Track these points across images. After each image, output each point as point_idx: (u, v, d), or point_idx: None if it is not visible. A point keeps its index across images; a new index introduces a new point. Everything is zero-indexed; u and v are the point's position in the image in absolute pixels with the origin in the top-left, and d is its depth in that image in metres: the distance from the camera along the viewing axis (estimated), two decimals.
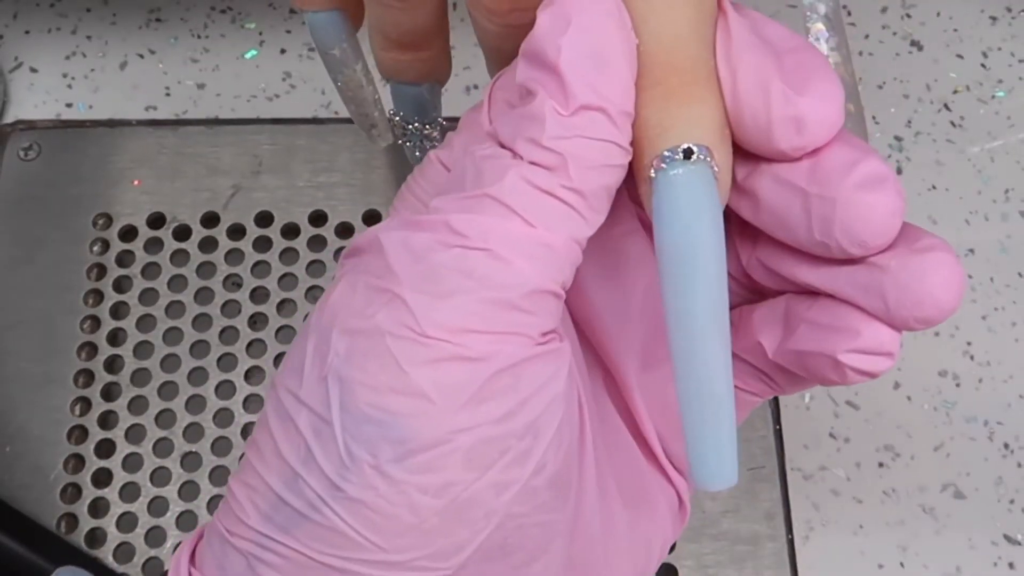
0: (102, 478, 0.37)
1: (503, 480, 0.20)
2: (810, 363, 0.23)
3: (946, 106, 0.45)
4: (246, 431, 0.37)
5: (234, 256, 0.40)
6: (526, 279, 0.20)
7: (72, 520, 0.36)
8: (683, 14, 0.21)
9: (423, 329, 0.20)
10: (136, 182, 0.41)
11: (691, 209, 0.20)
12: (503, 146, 0.21)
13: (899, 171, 0.44)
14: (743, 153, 0.22)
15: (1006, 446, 0.40)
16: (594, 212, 0.21)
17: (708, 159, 0.20)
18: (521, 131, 0.21)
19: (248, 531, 0.21)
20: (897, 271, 0.21)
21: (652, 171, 0.21)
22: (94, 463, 0.37)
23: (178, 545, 0.36)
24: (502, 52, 0.27)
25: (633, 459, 0.27)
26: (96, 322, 0.39)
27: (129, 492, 0.37)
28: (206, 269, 0.40)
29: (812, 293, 0.24)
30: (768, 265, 0.24)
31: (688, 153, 0.20)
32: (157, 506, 0.36)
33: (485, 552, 0.21)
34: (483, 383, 0.20)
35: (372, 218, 0.40)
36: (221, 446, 0.37)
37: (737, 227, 0.24)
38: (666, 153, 0.20)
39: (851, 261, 0.22)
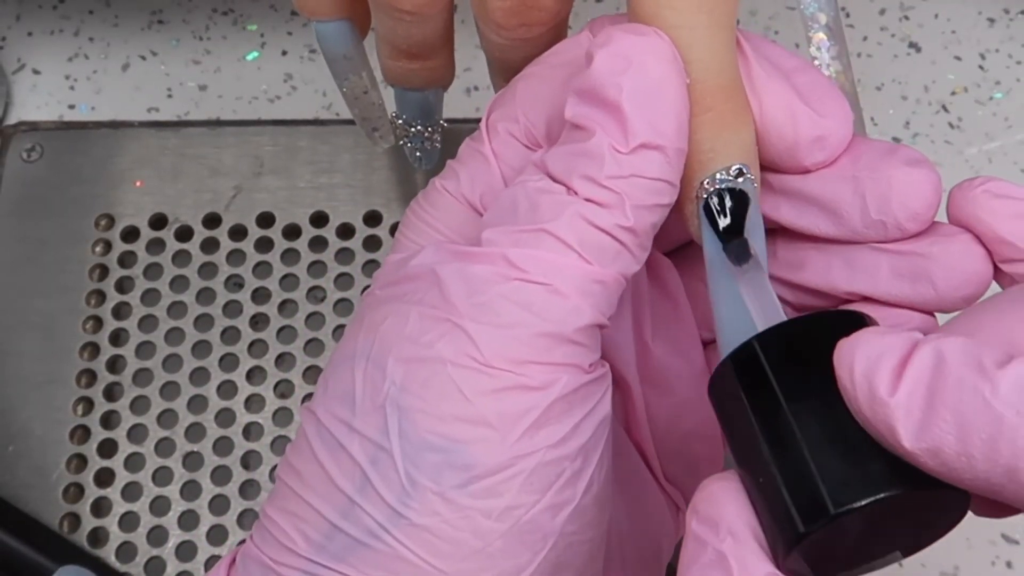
0: (104, 478, 0.37)
1: (559, 501, 0.21)
2: None
3: (944, 107, 0.46)
4: (247, 431, 0.38)
5: (235, 257, 0.40)
6: (582, 314, 0.21)
7: (74, 520, 0.36)
8: (723, 40, 0.22)
9: (487, 359, 0.20)
10: (138, 183, 0.41)
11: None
12: (555, 180, 0.22)
13: None
14: (773, 161, 0.24)
15: None
16: (642, 250, 0.22)
17: (751, 175, 0.22)
18: (576, 168, 0.21)
19: (298, 560, 0.21)
20: (940, 255, 0.23)
21: (704, 192, 0.22)
22: (96, 463, 0.37)
23: (180, 545, 0.36)
24: (508, 62, 0.27)
25: (636, 466, 0.27)
26: (98, 322, 0.39)
27: (131, 492, 0.37)
28: (208, 270, 0.40)
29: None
30: (800, 283, 0.25)
31: (739, 173, 0.22)
32: (159, 506, 0.37)
33: (543, 572, 0.22)
34: (542, 411, 0.21)
35: (373, 219, 0.41)
36: (222, 446, 0.37)
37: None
38: (719, 175, 0.22)
39: (889, 255, 0.23)
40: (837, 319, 0.20)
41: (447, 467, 0.20)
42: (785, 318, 0.21)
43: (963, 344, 0.17)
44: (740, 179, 0.22)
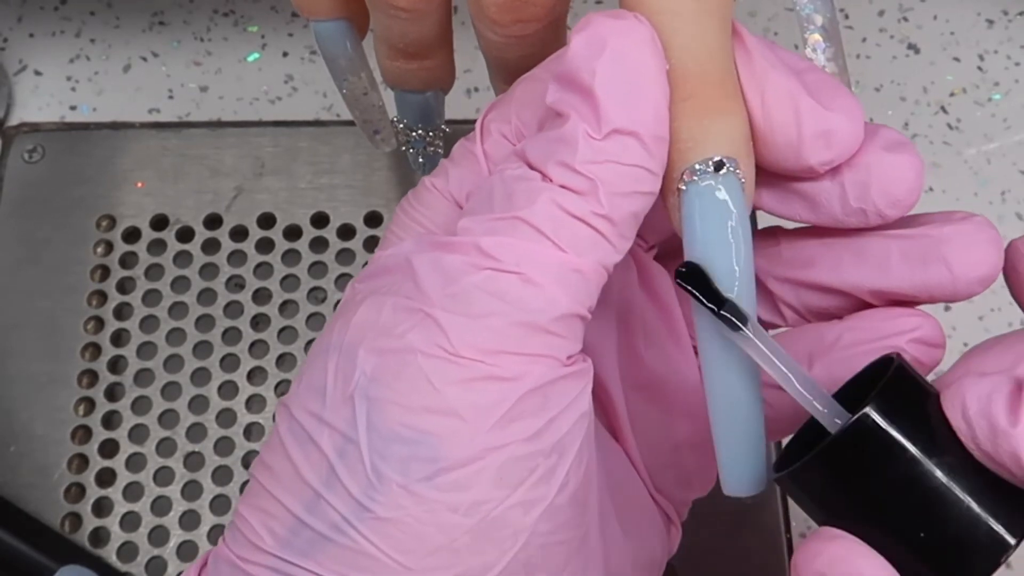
0: (106, 478, 0.37)
1: (531, 498, 0.21)
2: (864, 364, 0.24)
3: (943, 108, 0.46)
4: (248, 431, 0.38)
5: (236, 257, 0.40)
6: (557, 304, 0.21)
7: (76, 519, 0.37)
8: (711, 27, 0.21)
9: (456, 349, 0.20)
10: (139, 184, 0.41)
11: (722, 219, 0.21)
12: (532, 167, 0.21)
13: None
14: (777, 162, 0.23)
15: None
16: (622, 239, 0.21)
17: (736, 170, 0.21)
18: (552, 154, 0.21)
19: (264, 557, 0.21)
20: (953, 235, 0.22)
21: (683, 184, 0.21)
22: (98, 463, 0.37)
23: (181, 545, 0.36)
24: (505, 61, 0.27)
25: (627, 473, 0.27)
26: (100, 323, 0.39)
27: (132, 492, 0.37)
28: (209, 270, 0.40)
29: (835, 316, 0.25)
30: (810, 281, 0.24)
31: (719, 165, 0.21)
32: (160, 505, 0.37)
33: (511, 572, 0.21)
34: (514, 403, 0.20)
35: (373, 219, 0.41)
36: (223, 446, 0.37)
37: (769, 258, 0.25)
38: (697, 166, 0.21)
39: (900, 240, 0.23)
40: (888, 368, 0.20)
41: (414, 459, 0.20)
42: (800, 369, 0.21)
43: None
44: (721, 172, 0.21)
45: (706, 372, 0.22)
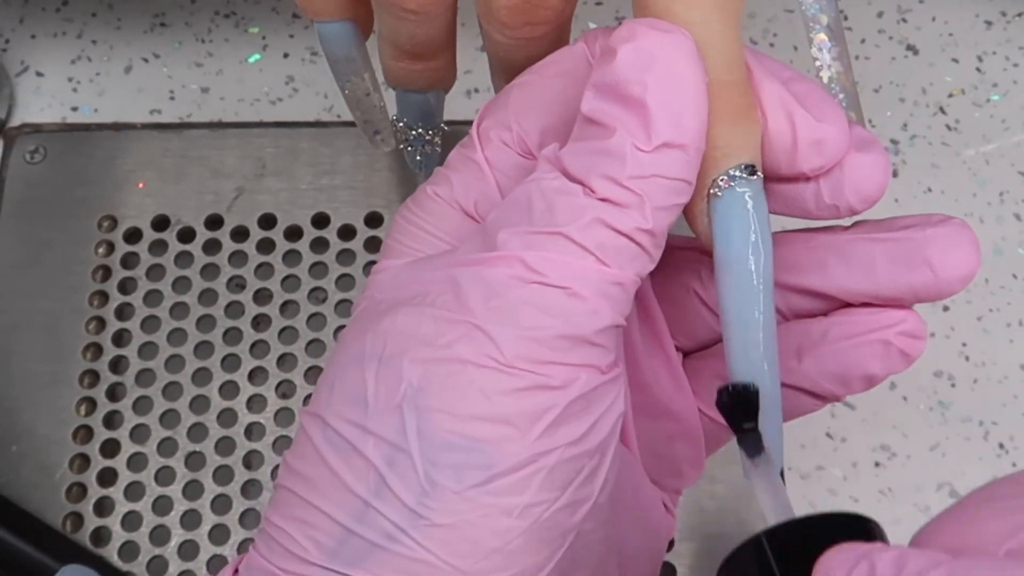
0: (107, 477, 0.37)
1: (578, 498, 0.21)
2: (853, 356, 0.25)
3: (941, 109, 0.46)
4: (249, 431, 0.38)
5: (238, 258, 0.40)
6: (601, 316, 0.21)
7: (77, 519, 0.37)
8: (733, 37, 0.22)
9: (507, 360, 0.20)
10: (141, 185, 0.41)
11: (755, 221, 0.22)
12: (572, 178, 0.21)
13: (895, 174, 0.45)
14: (772, 167, 0.24)
15: (1001, 446, 0.40)
16: (658, 250, 0.22)
17: (759, 174, 0.22)
18: (595, 166, 0.21)
19: (310, 568, 0.21)
20: (934, 237, 0.23)
21: (717, 190, 0.22)
22: (99, 462, 0.37)
23: (182, 545, 0.36)
24: (510, 63, 0.27)
25: (632, 463, 0.27)
26: (101, 323, 0.39)
27: (134, 491, 0.37)
28: (210, 271, 0.40)
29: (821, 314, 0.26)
30: (798, 286, 0.25)
31: (752, 171, 0.22)
32: (161, 505, 0.37)
33: (559, 570, 0.21)
34: (562, 409, 0.21)
35: (374, 220, 0.41)
36: (224, 446, 0.38)
37: None
38: (733, 172, 0.22)
39: (883, 243, 0.24)
40: (842, 522, 0.20)
41: (467, 466, 0.20)
42: (792, 514, 0.22)
43: (897, 554, 0.17)
44: (753, 177, 0.22)
45: (738, 367, 0.23)
